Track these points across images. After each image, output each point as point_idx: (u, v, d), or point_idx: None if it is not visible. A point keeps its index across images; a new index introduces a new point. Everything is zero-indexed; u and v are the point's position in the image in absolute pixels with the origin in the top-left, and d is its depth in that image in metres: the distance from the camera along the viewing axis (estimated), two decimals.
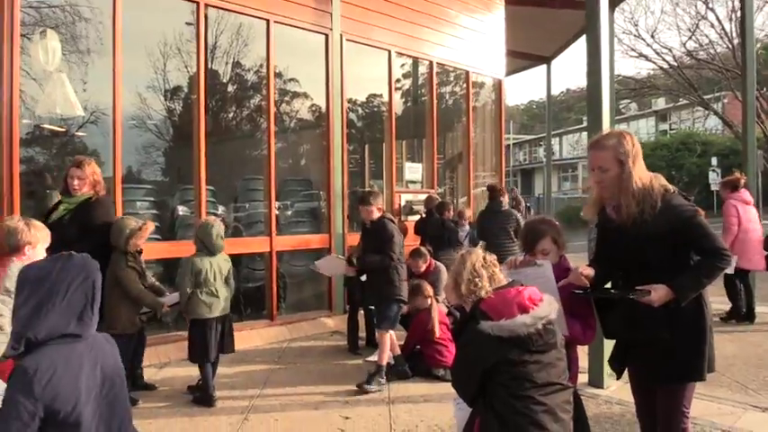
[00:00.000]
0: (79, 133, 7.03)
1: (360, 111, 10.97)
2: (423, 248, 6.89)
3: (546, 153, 20.67)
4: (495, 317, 2.35)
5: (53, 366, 1.83)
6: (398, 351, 5.76)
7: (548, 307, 2.41)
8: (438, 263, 6.81)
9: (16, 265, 1.86)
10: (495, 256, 2.62)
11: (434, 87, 9.58)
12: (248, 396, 5.17)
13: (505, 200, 8.05)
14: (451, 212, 8.25)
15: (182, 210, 7.31)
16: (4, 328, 1.74)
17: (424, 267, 6.66)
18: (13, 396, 1.78)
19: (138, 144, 7.58)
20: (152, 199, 7.13)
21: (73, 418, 1.86)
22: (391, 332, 5.56)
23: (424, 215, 8.47)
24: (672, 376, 2.84)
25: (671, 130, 40.20)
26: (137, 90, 7.26)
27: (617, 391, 5.26)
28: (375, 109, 10.43)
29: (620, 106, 44.09)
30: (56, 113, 6.32)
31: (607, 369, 5.07)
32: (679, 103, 38.79)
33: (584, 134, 49.94)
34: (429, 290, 6.01)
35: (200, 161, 6.65)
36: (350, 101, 8.97)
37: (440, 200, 8.48)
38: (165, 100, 7.88)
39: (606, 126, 5.41)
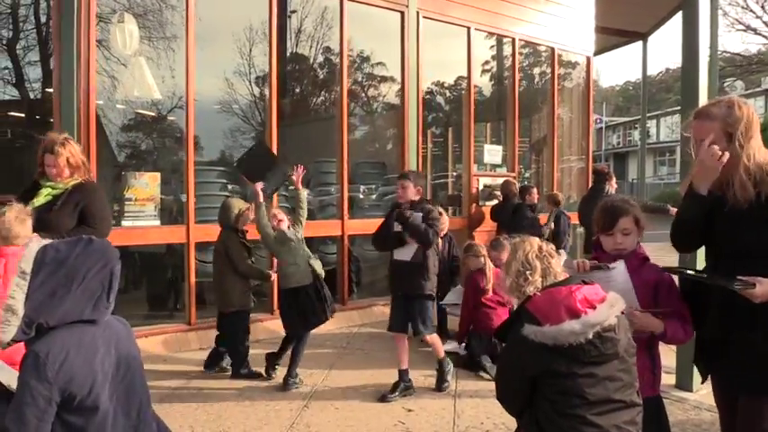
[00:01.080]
0: (170, 117, 7.20)
1: (439, 92, 10.69)
2: (501, 238, 6.50)
3: (641, 136, 19.48)
4: (541, 320, 1.99)
5: (65, 349, 1.75)
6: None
7: (606, 310, 2.00)
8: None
9: (35, 244, 1.76)
10: (553, 246, 2.28)
11: (517, 66, 9.10)
12: (312, 382, 5.09)
13: (612, 185, 7.57)
14: (535, 197, 7.86)
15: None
16: (17, 311, 1.64)
17: (505, 259, 6.34)
18: (26, 381, 1.71)
19: (215, 127, 7.67)
20: (224, 181, 7.17)
21: (90, 401, 1.79)
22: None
23: (500, 200, 8.11)
24: (755, 385, 2.38)
25: None
26: (215, 74, 7.33)
27: (708, 396, 4.76)
28: (456, 91, 10.09)
29: (725, 85, 41.06)
30: (134, 96, 6.46)
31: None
32: None
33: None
34: (482, 249, 5.77)
35: (271, 143, 6.60)
36: (436, 82, 8.72)
37: (516, 184, 8.07)
38: (242, 84, 7.93)
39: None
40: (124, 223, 5.99)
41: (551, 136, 9.74)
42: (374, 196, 8.28)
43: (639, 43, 16.77)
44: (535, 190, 8.05)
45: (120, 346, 1.91)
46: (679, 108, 34.69)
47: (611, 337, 1.99)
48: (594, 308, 1.99)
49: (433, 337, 5.04)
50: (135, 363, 1.97)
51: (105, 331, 1.88)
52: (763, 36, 18.97)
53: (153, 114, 7.49)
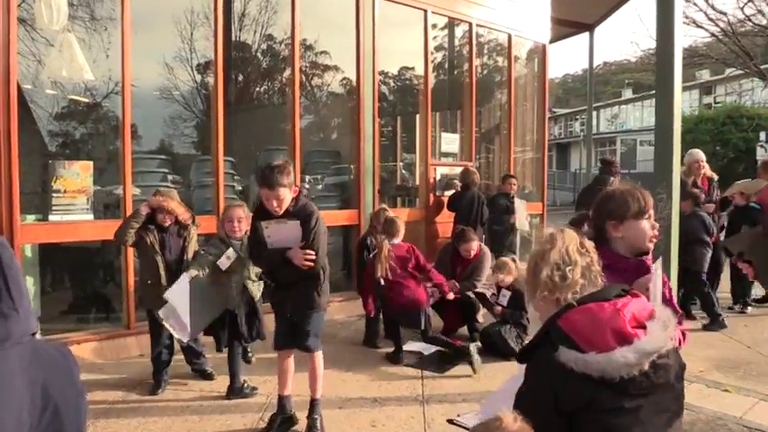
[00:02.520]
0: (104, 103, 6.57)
1: (393, 80, 10.33)
2: (472, 231, 6.26)
3: (587, 126, 19.68)
4: (582, 344, 1.58)
5: None
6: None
7: (661, 334, 1.61)
8: (485, 247, 6.23)
9: None
10: (592, 244, 1.84)
11: (473, 52, 8.82)
12: (268, 391, 4.65)
13: (617, 180, 7.35)
14: (514, 186, 7.69)
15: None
16: None
17: (474, 252, 6.07)
18: None
19: (154, 114, 7.08)
20: (165, 171, 6.61)
21: None
22: None
23: (457, 189, 7.84)
24: None
25: (716, 103, 38.44)
26: (154, 58, 6.75)
27: (687, 395, 4.62)
28: (409, 79, 9.76)
29: None
30: (63, 77, 5.81)
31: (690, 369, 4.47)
32: (725, 75, 37.08)
33: (624, 107, 48.61)
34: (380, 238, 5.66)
35: (217, 131, 6.07)
36: (382, 71, 8.32)
37: (476, 173, 7.82)
38: (183, 70, 7.34)
39: (678, 93, 4.69)
40: (52, 218, 5.38)
41: (508, 125, 9.53)
42: (329, 186, 7.85)
43: (579, 37, 16.85)
44: (515, 180, 7.87)
45: (51, 385, 1.37)
46: (620, 100, 35.39)
47: (664, 363, 1.63)
48: (644, 327, 1.62)
49: (318, 361, 4.01)
50: (68, 410, 1.40)
51: (27, 362, 1.33)
52: (704, 29, 19.38)
53: (86, 100, 6.82)
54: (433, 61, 9.22)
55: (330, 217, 7.02)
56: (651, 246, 2.33)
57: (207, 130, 6.36)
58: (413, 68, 8.84)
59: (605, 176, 7.32)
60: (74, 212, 5.43)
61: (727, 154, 28.92)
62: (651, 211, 2.32)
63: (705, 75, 40.30)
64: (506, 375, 5.16)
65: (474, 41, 8.82)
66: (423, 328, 5.47)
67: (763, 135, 27.83)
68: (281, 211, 3.58)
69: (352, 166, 7.55)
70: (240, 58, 8.27)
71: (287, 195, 3.54)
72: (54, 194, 5.37)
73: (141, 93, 6.21)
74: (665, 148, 4.66)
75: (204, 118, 6.55)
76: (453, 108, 9.42)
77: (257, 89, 8.49)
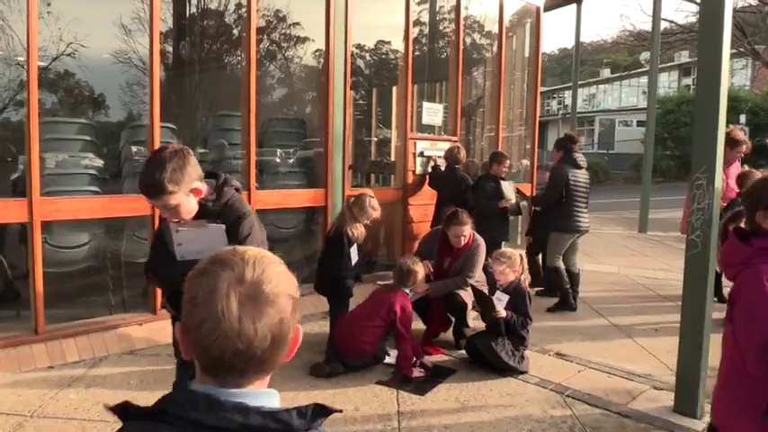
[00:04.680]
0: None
1: (361, 55, 9.27)
2: (466, 213, 5.18)
3: (572, 103, 18.80)
4: None
5: None
6: None
7: None
8: (478, 236, 5.19)
9: None
10: None
11: (462, 14, 7.75)
12: None
13: (581, 156, 6.46)
14: (505, 168, 6.64)
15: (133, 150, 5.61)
16: None
17: (465, 240, 5.06)
18: None
19: (80, 76, 5.90)
20: (86, 138, 5.43)
21: None
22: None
23: (442, 169, 6.84)
24: None
25: (694, 84, 37.91)
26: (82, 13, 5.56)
27: None
28: (387, 44, 8.72)
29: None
30: None
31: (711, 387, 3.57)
32: None
33: (601, 87, 47.94)
34: None
35: (152, 93, 4.94)
36: (358, 45, 7.23)
37: (463, 150, 6.81)
38: (116, 25, 6.10)
39: (725, 63, 3.72)
40: None
41: (496, 97, 8.52)
42: (292, 161, 6.73)
43: (555, 14, 15.93)
44: (509, 161, 6.81)
45: None
46: (598, 79, 34.80)
47: None
48: None
49: None
50: None
51: None
52: (696, 3, 18.53)
53: None
54: (416, 21, 8.17)
55: (292, 197, 5.99)
56: None
57: (144, 94, 5.22)
58: (392, 31, 7.77)
59: (569, 157, 6.40)
60: None
61: None
62: None
63: (684, 56, 39.80)
64: (500, 397, 4.28)
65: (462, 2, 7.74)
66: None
67: (743, 118, 27.38)
68: (187, 219, 2.50)
69: (319, 138, 6.47)
70: (188, 15, 7.09)
71: (183, 200, 2.43)
72: None
73: (52, 47, 5.07)
74: (708, 127, 3.72)
75: (142, 79, 5.41)
76: (437, 77, 8.39)
77: (209, 49, 7.31)
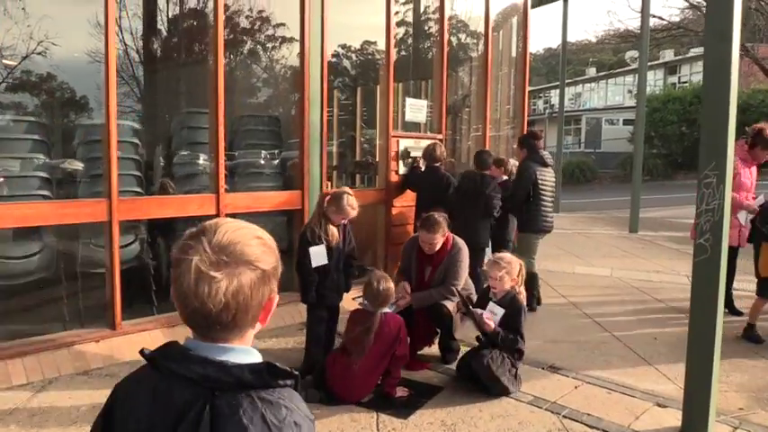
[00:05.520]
0: None
1: (346, 55, 8.90)
2: (442, 217, 4.77)
3: (560, 101, 18.52)
4: None
5: None
6: None
7: None
8: (458, 240, 4.79)
9: None
10: None
11: (446, 10, 7.36)
12: None
13: (547, 154, 6.20)
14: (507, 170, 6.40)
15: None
16: None
17: (440, 244, 4.65)
18: None
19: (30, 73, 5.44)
20: (37, 137, 4.96)
21: None
22: None
23: (422, 168, 6.47)
24: None
25: (681, 83, 37.89)
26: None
27: None
28: (365, 53, 8.33)
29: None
30: None
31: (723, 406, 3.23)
32: (689, 55, 36.54)
33: (587, 86, 47.85)
34: None
35: (108, 89, 4.49)
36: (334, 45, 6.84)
37: (443, 147, 6.45)
38: (72, 18, 5.64)
39: (736, 51, 3.36)
40: None
41: (483, 95, 8.16)
42: (265, 161, 6.29)
43: (541, 12, 15.65)
44: (512, 161, 6.53)
45: None
46: (585, 78, 34.76)
47: None
48: None
49: None
50: None
51: None
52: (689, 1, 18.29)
53: None
54: (400, 19, 7.81)
55: (264, 200, 5.58)
56: None
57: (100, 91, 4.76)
58: (376, 31, 7.37)
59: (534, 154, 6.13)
60: None
61: (693, 134, 28.35)
62: None
63: (669, 55, 39.74)
64: (491, 420, 3.89)
65: None
66: None
67: None
68: None
69: (295, 137, 6.05)
70: (151, 7, 6.63)
71: None
72: None
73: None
74: (717, 119, 3.36)
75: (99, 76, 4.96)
76: (422, 75, 8.01)
77: (174, 43, 6.85)
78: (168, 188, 5.39)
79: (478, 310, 4.20)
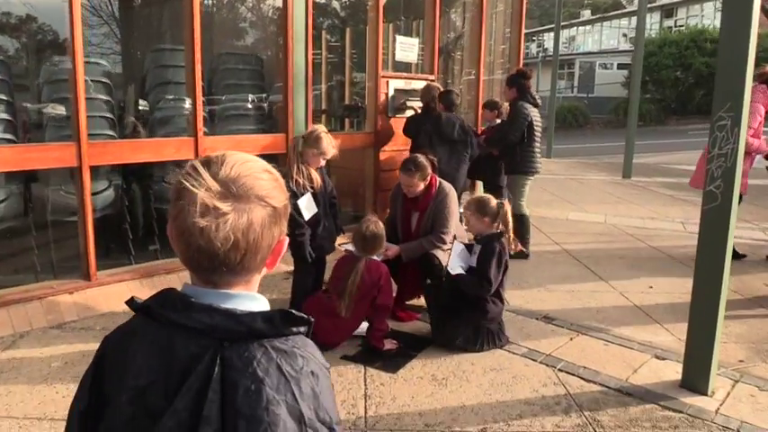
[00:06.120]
0: None
1: None
2: (422, 156, 4.51)
3: (554, 45, 17.97)
4: None
5: None
6: None
7: None
8: (444, 183, 4.54)
9: None
10: None
11: None
12: None
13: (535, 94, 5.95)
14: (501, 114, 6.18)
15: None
16: None
17: (420, 187, 4.40)
18: None
19: None
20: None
21: None
22: None
23: (419, 111, 6.16)
24: None
25: (677, 26, 37.04)
26: None
27: (735, 404, 3.27)
28: None
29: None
30: None
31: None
32: None
33: (581, 29, 46.81)
34: None
35: (72, 20, 4.11)
36: None
37: (441, 89, 6.11)
38: None
39: None
40: None
41: (477, 36, 7.77)
42: (247, 103, 5.93)
43: None
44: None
45: None
46: (578, 21, 33.96)
47: None
48: None
49: None
50: None
51: None
52: None
53: None
54: None
55: (246, 143, 5.28)
56: None
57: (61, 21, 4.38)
58: None
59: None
60: None
61: (688, 79, 27.90)
62: None
63: None
64: (484, 374, 3.75)
65: None
66: None
67: (707, 57, 26.76)
68: None
69: (278, 77, 5.70)
70: None
71: None
72: None
73: None
74: (735, 56, 3.08)
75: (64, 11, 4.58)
76: (413, 14, 7.59)
77: None
78: (142, 131, 5.06)
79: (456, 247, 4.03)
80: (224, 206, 0.90)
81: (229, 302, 0.94)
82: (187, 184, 0.90)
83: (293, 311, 0.95)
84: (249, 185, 0.93)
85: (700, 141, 19.91)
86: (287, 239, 1.02)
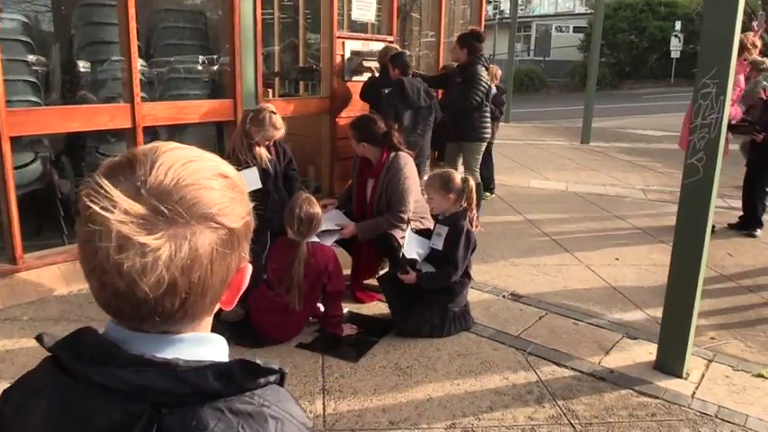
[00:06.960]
0: None
1: None
2: (367, 117, 4.24)
3: (512, 6, 17.64)
4: None
5: None
6: None
7: None
8: (402, 155, 4.20)
9: None
10: None
11: None
12: None
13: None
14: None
15: None
16: None
17: (360, 149, 4.14)
18: None
19: None
20: None
21: None
22: None
23: (377, 74, 5.80)
24: None
25: None
26: None
27: (710, 387, 3.14)
28: None
29: None
30: None
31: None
32: None
33: None
34: None
35: None
36: None
37: (399, 50, 5.74)
38: None
39: None
40: None
41: None
42: (190, 65, 5.44)
43: None
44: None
45: None
46: None
47: None
48: None
49: None
50: None
51: None
52: None
53: None
54: None
55: (190, 110, 4.83)
56: None
57: None
58: None
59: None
60: None
61: (642, 43, 28.01)
62: None
63: None
64: (450, 361, 3.51)
65: None
66: None
67: (678, 24, 26.96)
68: None
69: (224, 36, 5.22)
70: None
71: None
72: None
73: None
74: (721, 18, 2.83)
75: None
76: None
77: None
78: (90, 96, 4.55)
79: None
80: (151, 239, 0.61)
81: (170, 349, 0.67)
82: (94, 207, 0.60)
83: (256, 361, 0.68)
84: (191, 200, 0.63)
85: (654, 105, 20.15)
86: (249, 267, 0.73)
